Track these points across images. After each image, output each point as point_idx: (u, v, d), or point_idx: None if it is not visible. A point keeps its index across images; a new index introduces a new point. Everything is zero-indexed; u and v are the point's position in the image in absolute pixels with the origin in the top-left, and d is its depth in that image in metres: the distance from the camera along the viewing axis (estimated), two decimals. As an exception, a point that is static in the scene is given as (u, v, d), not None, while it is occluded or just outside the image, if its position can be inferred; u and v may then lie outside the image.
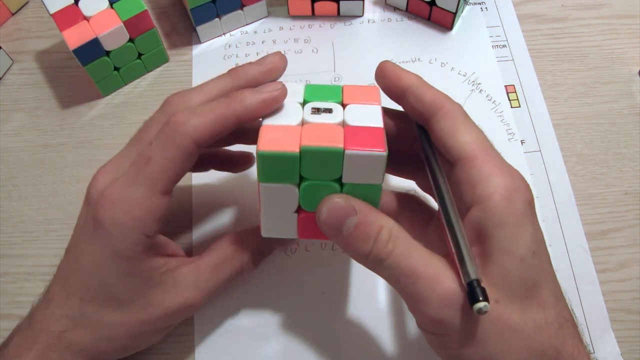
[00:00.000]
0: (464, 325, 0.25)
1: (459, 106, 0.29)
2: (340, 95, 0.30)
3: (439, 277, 0.25)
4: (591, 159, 0.42)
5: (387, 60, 0.31)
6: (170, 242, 0.32)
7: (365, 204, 0.27)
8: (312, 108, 0.28)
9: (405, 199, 0.34)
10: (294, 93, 0.30)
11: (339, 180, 0.27)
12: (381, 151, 0.26)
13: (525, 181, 0.27)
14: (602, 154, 0.42)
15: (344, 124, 0.28)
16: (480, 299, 0.23)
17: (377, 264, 0.26)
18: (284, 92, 0.29)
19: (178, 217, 0.40)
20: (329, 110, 0.28)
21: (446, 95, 0.29)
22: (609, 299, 0.37)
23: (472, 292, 0.24)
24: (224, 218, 0.40)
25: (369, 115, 0.28)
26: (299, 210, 0.29)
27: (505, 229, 0.25)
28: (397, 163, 0.33)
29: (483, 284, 0.24)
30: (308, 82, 0.46)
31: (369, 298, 0.37)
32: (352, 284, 0.37)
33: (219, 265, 0.32)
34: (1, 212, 0.41)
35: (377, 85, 0.31)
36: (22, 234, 0.40)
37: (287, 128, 0.27)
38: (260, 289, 0.37)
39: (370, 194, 0.27)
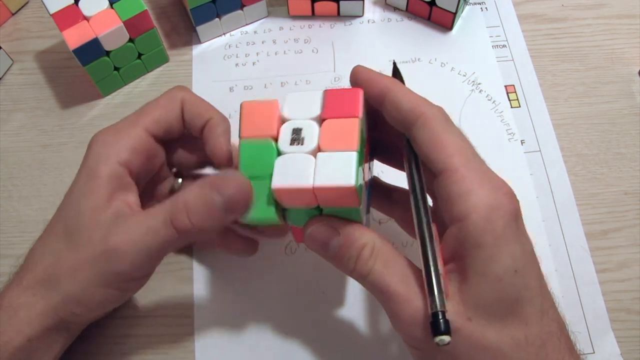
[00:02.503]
0: (435, 344, 0.25)
1: (440, 111, 0.28)
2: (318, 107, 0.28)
3: (410, 297, 0.26)
4: (591, 159, 0.42)
5: (359, 66, 0.29)
6: (135, 197, 0.32)
7: (348, 224, 0.27)
8: (292, 133, 0.27)
9: (400, 193, 0.34)
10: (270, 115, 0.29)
11: (317, 208, 0.27)
12: (350, 184, 0.25)
13: (510, 193, 0.26)
14: (602, 154, 0.42)
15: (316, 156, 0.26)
16: (442, 331, 0.24)
17: (360, 279, 0.27)
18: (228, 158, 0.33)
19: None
20: (301, 141, 0.27)
21: (425, 100, 0.28)
22: (609, 299, 0.37)
23: (435, 323, 0.24)
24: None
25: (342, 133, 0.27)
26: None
27: (481, 250, 0.25)
28: (388, 153, 0.33)
29: (458, 301, 0.25)
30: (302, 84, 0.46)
31: (369, 298, 0.37)
32: (352, 284, 0.37)
33: (151, 230, 0.29)
34: (1, 212, 0.41)
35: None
36: (22, 234, 0.40)
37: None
38: (261, 289, 0.37)
39: (351, 214, 0.27)
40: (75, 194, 0.31)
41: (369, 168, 0.31)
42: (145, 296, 0.35)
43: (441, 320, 0.24)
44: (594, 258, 0.38)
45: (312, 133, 0.27)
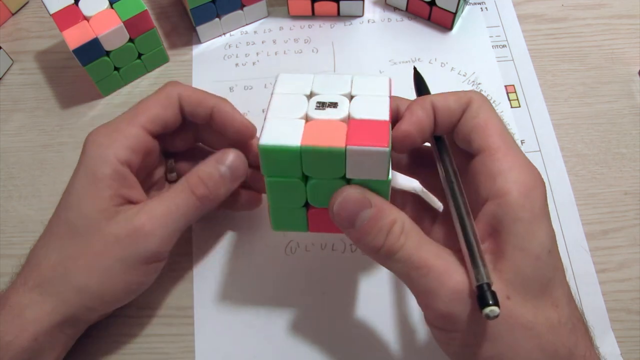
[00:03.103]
0: (473, 321, 0.25)
1: (482, 95, 0.29)
2: (349, 86, 0.29)
3: (449, 271, 0.25)
4: (591, 159, 0.42)
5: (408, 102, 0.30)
6: (140, 193, 0.32)
7: (380, 197, 0.27)
8: (317, 102, 0.28)
9: (410, 198, 0.34)
10: (302, 84, 0.29)
11: (344, 178, 0.27)
12: (383, 147, 0.25)
13: (542, 179, 0.27)
14: (602, 154, 0.42)
15: (349, 117, 0.27)
16: (490, 302, 0.23)
17: (388, 257, 0.26)
18: (252, 133, 0.34)
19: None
20: (334, 105, 0.28)
21: (472, 91, 0.29)
22: (609, 299, 0.36)
23: (482, 295, 0.23)
24: (225, 222, 0.40)
25: (375, 106, 0.27)
26: (307, 205, 0.29)
27: (521, 225, 0.25)
28: (400, 159, 0.33)
29: (495, 280, 0.24)
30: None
31: (369, 298, 0.37)
32: (352, 284, 0.37)
33: (171, 208, 0.31)
34: (1, 212, 0.41)
35: (389, 77, 0.30)
36: (22, 234, 0.40)
37: (290, 122, 0.27)
38: (260, 289, 0.37)
39: (378, 189, 0.27)
40: (76, 196, 0.31)
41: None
42: (145, 296, 0.35)
43: (488, 292, 0.23)
44: (594, 258, 0.38)
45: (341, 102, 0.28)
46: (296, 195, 0.28)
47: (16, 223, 0.41)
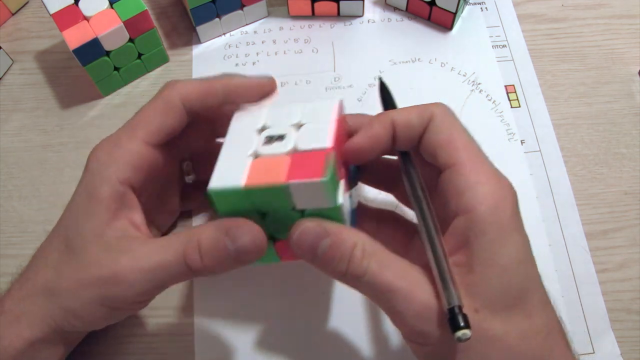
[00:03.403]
0: (444, 336, 0.25)
1: (445, 107, 0.29)
2: (299, 115, 0.30)
3: (414, 291, 0.25)
4: (591, 159, 0.42)
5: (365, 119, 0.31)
6: (139, 215, 0.31)
7: (336, 225, 0.27)
8: (266, 137, 0.29)
9: (386, 215, 0.34)
10: (255, 119, 0.30)
11: (296, 209, 0.27)
12: (319, 177, 0.25)
13: (511, 186, 0.27)
14: (602, 154, 0.42)
15: (294, 149, 0.28)
16: (462, 325, 0.23)
17: (354, 281, 0.26)
18: (272, 84, 0.32)
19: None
20: (281, 138, 0.28)
21: (427, 103, 0.29)
22: (609, 299, 0.37)
23: (454, 318, 0.24)
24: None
25: (319, 134, 0.28)
26: (273, 238, 0.29)
27: (488, 239, 0.25)
28: (373, 174, 0.33)
29: (463, 294, 0.25)
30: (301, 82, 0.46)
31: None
32: (352, 284, 0.37)
33: (161, 263, 0.29)
34: (1, 212, 0.41)
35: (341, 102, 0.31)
36: (22, 234, 0.40)
37: (238, 162, 0.28)
38: (260, 289, 0.37)
39: (332, 216, 0.27)
40: (75, 213, 0.30)
41: (350, 196, 0.31)
42: (145, 296, 0.35)
43: (459, 315, 0.23)
44: (594, 258, 0.38)
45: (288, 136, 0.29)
46: None
47: (16, 223, 0.41)
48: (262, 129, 0.30)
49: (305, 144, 0.28)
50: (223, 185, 0.27)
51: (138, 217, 0.31)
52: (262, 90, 0.32)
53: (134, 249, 0.28)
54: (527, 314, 0.25)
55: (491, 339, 0.25)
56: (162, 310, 0.37)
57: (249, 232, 0.27)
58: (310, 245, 0.26)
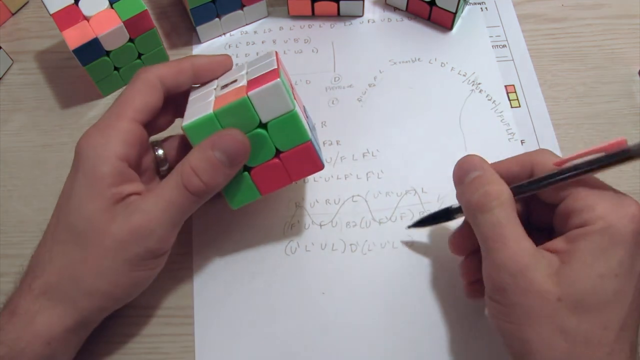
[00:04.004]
0: (522, 303, 0.26)
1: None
2: (245, 69, 0.34)
3: (519, 256, 0.26)
4: (591, 159, 0.42)
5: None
6: (141, 186, 0.32)
7: (490, 168, 0.30)
8: (221, 86, 0.33)
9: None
10: (209, 86, 0.35)
11: (261, 125, 0.31)
12: (275, 79, 0.30)
13: (636, 205, 0.27)
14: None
15: (247, 82, 0.32)
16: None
17: (476, 213, 0.29)
18: (230, 61, 0.36)
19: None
20: (235, 81, 0.33)
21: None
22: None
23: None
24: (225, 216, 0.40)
25: (266, 67, 0.32)
26: (247, 169, 0.32)
27: (596, 244, 0.26)
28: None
29: (552, 281, 0.26)
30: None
31: (369, 298, 0.37)
32: (352, 284, 0.37)
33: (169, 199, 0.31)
34: (1, 212, 0.41)
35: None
36: (22, 234, 0.40)
37: (203, 104, 0.32)
38: (260, 289, 0.37)
39: (293, 127, 0.31)
40: (77, 199, 0.30)
41: (307, 117, 0.37)
42: (146, 296, 0.35)
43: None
44: (594, 258, 0.38)
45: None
46: None
47: (16, 223, 0.41)
48: (216, 88, 0.34)
49: (257, 74, 0.32)
50: (195, 118, 0.31)
51: (140, 186, 0.32)
52: (224, 66, 0.35)
53: (140, 206, 0.30)
54: (605, 326, 0.26)
55: (560, 330, 0.26)
56: (162, 310, 0.37)
57: (230, 136, 0.30)
58: (465, 170, 0.30)
